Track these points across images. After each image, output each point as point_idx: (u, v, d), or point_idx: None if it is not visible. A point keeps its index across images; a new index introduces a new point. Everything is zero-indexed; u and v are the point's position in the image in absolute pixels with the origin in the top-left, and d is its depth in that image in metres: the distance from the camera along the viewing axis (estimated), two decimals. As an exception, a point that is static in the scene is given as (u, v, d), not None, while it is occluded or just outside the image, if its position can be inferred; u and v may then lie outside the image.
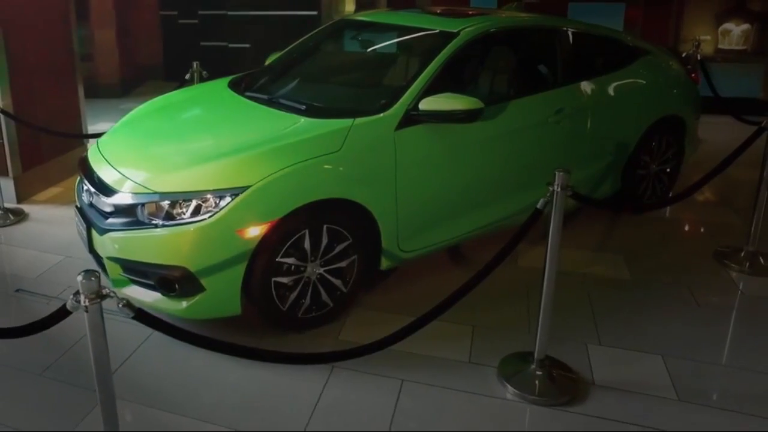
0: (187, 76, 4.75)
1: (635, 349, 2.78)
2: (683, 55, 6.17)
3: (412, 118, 2.90)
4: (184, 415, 2.34)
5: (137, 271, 2.64)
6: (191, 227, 2.49)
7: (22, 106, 4.08)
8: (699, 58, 6.03)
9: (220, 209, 2.48)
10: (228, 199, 2.50)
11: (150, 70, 8.70)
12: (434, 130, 2.97)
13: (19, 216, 4.02)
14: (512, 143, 3.29)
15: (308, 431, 2.25)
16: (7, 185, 4.11)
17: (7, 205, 4.03)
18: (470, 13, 3.74)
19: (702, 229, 4.09)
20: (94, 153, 3.11)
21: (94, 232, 2.78)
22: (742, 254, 3.58)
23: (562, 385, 2.49)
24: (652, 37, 7.15)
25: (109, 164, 2.89)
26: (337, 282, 2.85)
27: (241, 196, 2.49)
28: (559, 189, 2.23)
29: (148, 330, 2.82)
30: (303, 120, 2.90)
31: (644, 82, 4.01)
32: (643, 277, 3.45)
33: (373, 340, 2.71)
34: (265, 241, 2.55)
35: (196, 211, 2.52)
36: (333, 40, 3.87)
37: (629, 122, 3.91)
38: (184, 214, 2.53)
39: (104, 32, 7.62)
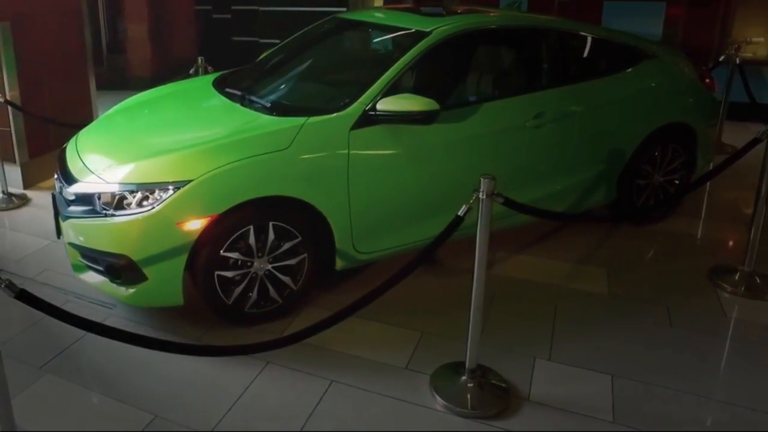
0: (192, 71, 4.98)
1: (585, 367, 2.72)
2: (721, 58, 5.95)
3: (370, 118, 2.95)
4: (113, 397, 2.49)
5: (91, 258, 2.83)
6: (134, 218, 2.64)
7: (30, 97, 4.40)
8: (738, 61, 5.78)
9: (162, 202, 2.62)
10: (170, 192, 2.63)
11: (185, 63, 9.08)
12: (394, 131, 3.00)
13: (22, 201, 4.35)
14: (482, 147, 3.27)
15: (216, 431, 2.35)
16: (14, 171, 4.45)
17: (11, 189, 4.37)
18: (459, 11, 3.73)
19: (702, 246, 3.91)
20: (71, 144, 3.33)
21: (60, 219, 2.99)
22: (737, 275, 3.41)
23: (492, 399, 2.48)
24: (694, 39, 6.88)
25: (77, 155, 3.09)
26: (286, 279, 2.93)
27: (182, 190, 2.62)
28: (484, 196, 2.22)
29: (109, 313, 3.05)
30: (261, 117, 3.00)
31: (644, 87, 3.88)
32: (621, 293, 3.36)
33: (324, 341, 2.82)
34: (206, 234, 2.67)
35: (142, 202, 2.67)
36: (319, 39, 3.95)
37: (625, 129, 3.79)
38: (132, 205, 2.69)
39: (137, 26, 8.04)
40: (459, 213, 2.27)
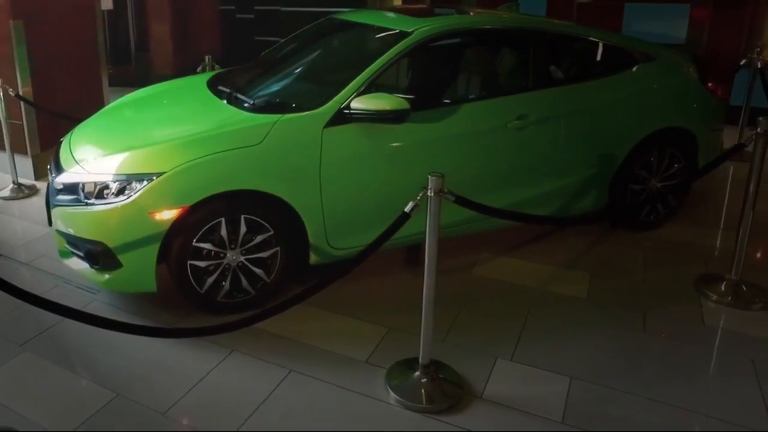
0: (199, 69, 5.20)
1: (546, 369, 2.75)
2: (742, 62, 5.83)
3: (344, 116, 3.05)
4: (83, 376, 2.67)
5: (74, 244, 3.02)
6: (110, 207, 2.82)
7: (43, 92, 4.69)
8: (759, 65, 5.66)
9: (136, 192, 2.79)
10: (144, 183, 2.80)
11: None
12: (368, 129, 3.10)
13: (31, 191, 4.63)
14: (460, 147, 3.33)
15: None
16: (26, 163, 4.74)
17: (21, 180, 4.65)
18: (444, 12, 3.80)
19: (697, 253, 3.86)
20: (67, 137, 3.55)
21: (50, 207, 3.20)
22: (724, 284, 3.37)
23: (444, 395, 2.55)
24: (720, 42, 6.74)
25: (69, 147, 3.30)
26: (259, 272, 3.07)
27: (154, 181, 2.79)
28: (431, 193, 2.30)
29: (92, 298, 3.24)
30: (241, 114, 3.15)
31: (637, 90, 3.86)
32: (600, 297, 3.36)
33: (292, 333, 2.95)
34: (178, 225, 2.83)
35: (120, 192, 2.84)
36: (313, 39, 4.09)
37: (615, 133, 3.79)
38: (110, 195, 2.86)
39: (160, 25, 8.38)
40: (405, 209, 2.36)
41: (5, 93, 4.36)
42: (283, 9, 8.67)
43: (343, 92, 3.09)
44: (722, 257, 3.87)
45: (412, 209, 2.35)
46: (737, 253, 3.34)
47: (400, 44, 3.25)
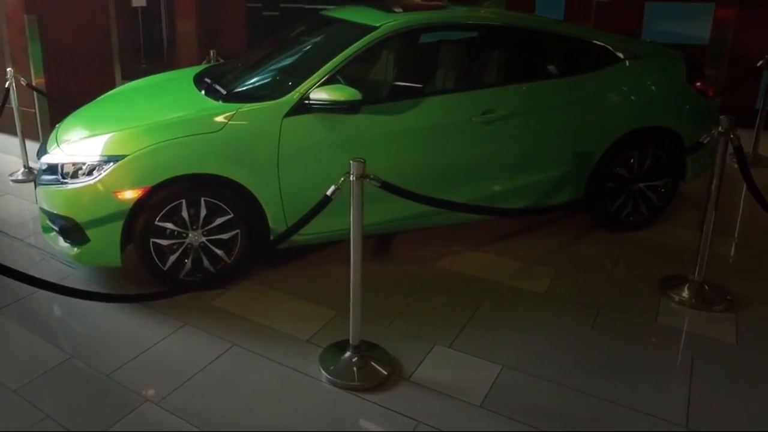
0: (204, 62, 5.50)
1: (480, 357, 2.86)
2: (759, 63, 5.71)
3: (305, 106, 3.25)
4: (46, 339, 2.95)
5: (52, 220, 3.33)
6: (80, 186, 3.11)
7: (55, 83, 5.09)
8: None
9: (103, 173, 3.07)
10: (111, 164, 3.07)
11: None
12: (329, 120, 3.28)
13: (41, 174, 5.02)
14: (421, 140, 3.47)
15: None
16: (36, 148, 5.13)
17: (32, 164, 5.05)
18: (422, 8, 3.92)
19: (673, 255, 3.85)
20: (60, 122, 3.89)
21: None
22: (687, 285, 3.39)
23: (371, 374, 2.70)
24: (746, 42, 6.58)
25: (56, 132, 3.63)
26: (220, 252, 3.30)
27: (118, 163, 3.06)
28: (354, 178, 2.46)
29: (70, 272, 3.54)
30: (209, 103, 3.39)
31: (614, 88, 3.90)
32: (558, 293, 3.44)
33: (245, 312, 3.17)
34: (140, 204, 3.09)
35: (90, 173, 3.13)
36: (299, 34, 4.30)
37: (590, 130, 3.84)
38: (82, 174, 3.15)
39: (185, 22, 8.81)
40: (327, 193, 2.53)
41: (17, 83, 4.77)
42: (307, 7, 8.97)
43: (305, 83, 3.29)
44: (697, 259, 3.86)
45: (333, 192, 2.52)
46: (700, 253, 3.35)
47: (365, 38, 3.42)
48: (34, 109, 5.08)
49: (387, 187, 2.57)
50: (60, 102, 5.03)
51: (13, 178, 5.00)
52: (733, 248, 4.08)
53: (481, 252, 3.92)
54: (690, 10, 6.75)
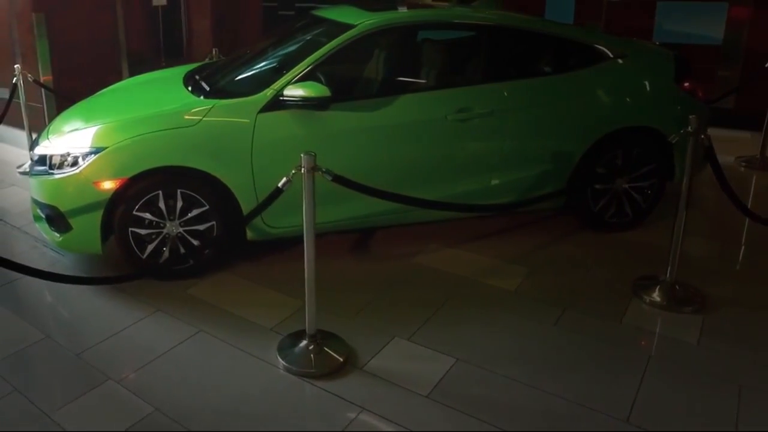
0: (207, 59, 5.71)
1: (436, 350, 2.96)
2: (767, 64, 5.65)
3: (280, 103, 3.40)
4: (27, 321, 3.17)
5: (40, 209, 3.55)
6: (64, 176, 3.32)
7: (63, 80, 5.36)
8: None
9: (84, 164, 3.27)
10: (91, 156, 3.27)
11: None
12: (303, 116, 3.42)
13: (47, 167, 5.30)
14: (394, 136, 3.58)
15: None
16: (44, 142, 5.43)
17: (39, 157, 5.34)
18: (402, 7, 4.02)
19: (654, 256, 3.86)
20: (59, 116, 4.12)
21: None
22: (658, 286, 3.42)
23: (325, 362, 2.82)
24: (761, 43, 6.48)
25: (49, 126, 3.86)
26: (197, 243, 3.47)
27: (98, 154, 3.25)
28: (304, 171, 2.59)
29: (59, 258, 3.76)
30: (190, 99, 3.56)
31: (596, 87, 3.93)
32: (528, 291, 3.50)
33: (217, 300, 3.34)
34: (119, 194, 3.28)
35: (73, 164, 3.33)
36: (289, 33, 4.46)
37: (570, 130, 3.89)
38: (66, 166, 3.36)
39: (202, 22, 9.08)
40: (279, 185, 2.67)
41: (25, 78, 5.06)
42: (320, 6, 9.15)
43: (280, 81, 3.43)
44: (680, 261, 3.87)
45: (284, 185, 2.65)
46: (671, 254, 3.38)
47: (341, 37, 3.55)
48: (42, 104, 5.36)
49: (339, 180, 2.70)
50: (66, 98, 5.29)
51: (21, 170, 5.27)
52: (711, 250, 4.07)
53: (457, 249, 4.00)
54: (702, 10, 6.68)
